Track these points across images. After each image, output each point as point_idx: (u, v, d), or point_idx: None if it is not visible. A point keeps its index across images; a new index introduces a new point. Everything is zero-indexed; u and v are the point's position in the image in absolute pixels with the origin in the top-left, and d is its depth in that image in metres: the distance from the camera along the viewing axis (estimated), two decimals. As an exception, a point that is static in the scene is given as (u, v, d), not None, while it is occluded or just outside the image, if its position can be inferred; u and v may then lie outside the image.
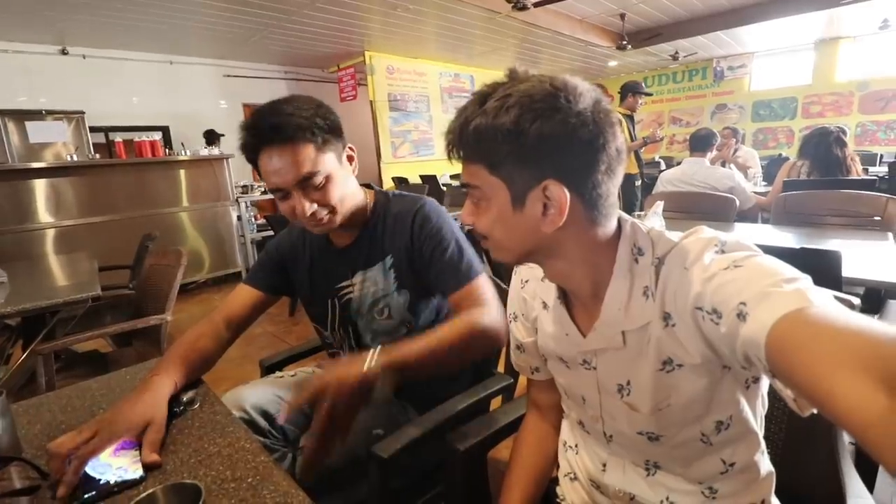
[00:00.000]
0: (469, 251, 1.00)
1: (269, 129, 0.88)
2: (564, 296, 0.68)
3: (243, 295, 1.09)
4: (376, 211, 1.05)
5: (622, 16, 5.74)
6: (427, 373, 0.82)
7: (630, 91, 4.16)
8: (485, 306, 0.93)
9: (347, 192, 0.98)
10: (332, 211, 0.95)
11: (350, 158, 1.01)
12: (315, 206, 0.92)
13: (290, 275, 1.12)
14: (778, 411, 0.75)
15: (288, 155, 0.88)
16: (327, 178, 0.92)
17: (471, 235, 1.00)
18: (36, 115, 4.66)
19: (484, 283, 0.97)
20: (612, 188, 0.57)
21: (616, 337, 0.61)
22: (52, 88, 5.07)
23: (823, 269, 1.19)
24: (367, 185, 1.10)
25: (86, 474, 0.67)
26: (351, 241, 1.05)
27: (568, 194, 0.53)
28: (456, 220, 1.01)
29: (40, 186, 3.73)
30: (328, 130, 0.92)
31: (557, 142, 0.52)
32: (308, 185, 0.91)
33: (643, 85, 4.25)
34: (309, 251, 1.11)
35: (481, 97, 0.55)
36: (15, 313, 1.56)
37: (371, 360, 0.75)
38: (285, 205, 0.94)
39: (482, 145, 0.55)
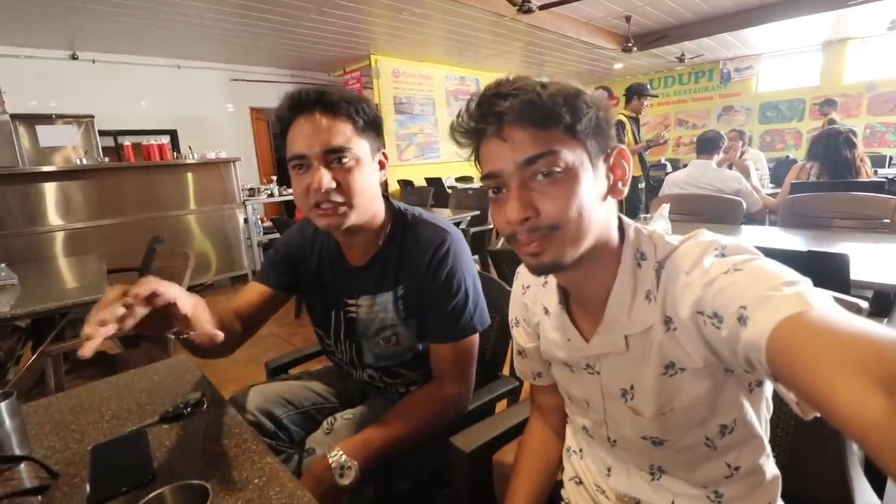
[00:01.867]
0: (474, 303, 0.96)
1: (313, 94, 0.86)
2: (566, 300, 0.68)
3: (253, 291, 1.06)
4: (394, 233, 0.98)
5: (627, 18, 5.73)
6: (395, 452, 0.90)
7: (635, 93, 4.14)
8: (458, 379, 0.96)
9: (368, 192, 0.90)
10: (348, 203, 0.87)
11: (381, 164, 0.95)
12: (333, 183, 0.85)
13: (297, 273, 1.09)
14: (785, 415, 0.74)
15: (325, 122, 0.85)
16: (356, 163, 0.87)
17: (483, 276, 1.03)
18: (46, 119, 4.73)
19: (470, 347, 0.96)
20: None
21: (619, 341, 0.61)
22: (62, 93, 5.13)
23: (831, 273, 1.18)
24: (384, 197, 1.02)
25: (95, 474, 0.68)
26: (363, 264, 0.99)
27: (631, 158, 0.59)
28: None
29: (50, 190, 3.77)
30: (369, 120, 0.90)
31: (609, 118, 0.57)
32: (334, 160, 0.85)
33: (649, 87, 4.23)
34: (318, 256, 1.06)
35: (524, 78, 0.56)
36: (25, 315, 1.58)
37: (340, 461, 0.83)
38: (301, 181, 0.86)
39: (569, 106, 0.53)
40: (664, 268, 0.57)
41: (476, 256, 4.00)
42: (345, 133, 0.86)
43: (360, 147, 0.88)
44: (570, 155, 0.53)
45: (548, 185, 0.53)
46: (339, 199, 0.86)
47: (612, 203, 0.59)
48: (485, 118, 0.54)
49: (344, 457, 0.83)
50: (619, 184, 0.58)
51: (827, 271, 1.18)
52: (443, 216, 3.45)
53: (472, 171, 7.74)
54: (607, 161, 0.57)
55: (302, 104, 0.86)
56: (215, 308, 0.92)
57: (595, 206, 0.55)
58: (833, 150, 2.72)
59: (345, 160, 0.86)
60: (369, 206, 0.93)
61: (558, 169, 0.53)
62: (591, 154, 0.55)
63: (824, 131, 2.85)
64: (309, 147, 0.85)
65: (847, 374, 0.35)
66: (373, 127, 0.91)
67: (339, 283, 1.03)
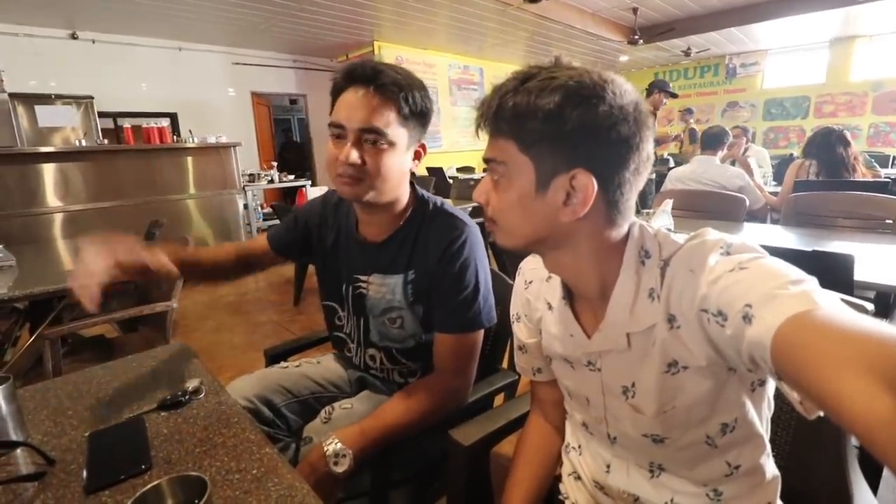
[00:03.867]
0: (483, 298, 0.96)
1: (370, 70, 0.87)
2: (569, 296, 0.67)
3: (258, 242, 1.15)
4: (413, 219, 0.99)
5: (635, 10, 5.67)
6: (391, 442, 0.90)
7: (658, 88, 4.26)
8: (458, 373, 0.96)
9: (393, 177, 0.92)
10: (369, 182, 0.89)
11: (418, 154, 0.98)
12: (358, 161, 0.87)
13: (310, 243, 1.12)
14: (785, 415, 0.74)
15: (371, 100, 0.86)
16: (388, 147, 0.89)
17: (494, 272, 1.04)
18: (46, 99, 4.68)
19: (473, 342, 0.96)
20: (634, 191, 0.57)
21: (621, 339, 0.60)
22: (61, 73, 5.08)
23: (836, 273, 1.18)
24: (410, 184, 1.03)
25: (92, 461, 0.67)
26: (379, 241, 1.00)
27: (596, 186, 0.53)
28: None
29: (49, 171, 3.75)
30: (417, 111, 0.90)
31: (597, 132, 0.52)
32: (367, 139, 0.87)
33: (670, 85, 4.31)
34: (336, 229, 1.08)
35: (523, 76, 0.55)
36: (23, 297, 1.57)
37: (335, 449, 0.83)
38: (334, 145, 0.90)
39: (518, 122, 0.54)
40: (669, 266, 0.56)
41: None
42: (386, 117, 0.87)
43: (398, 134, 0.89)
44: (512, 167, 0.56)
45: (495, 184, 0.59)
46: (359, 175, 0.89)
47: (573, 213, 0.55)
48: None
49: (339, 445, 0.84)
50: (571, 207, 0.54)
51: (831, 271, 1.18)
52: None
53: (473, 161, 7.74)
54: (567, 179, 0.54)
55: (356, 76, 0.87)
56: (207, 248, 1.11)
57: (531, 214, 0.57)
58: (826, 148, 2.78)
59: (378, 143, 0.88)
60: (391, 191, 0.95)
61: (496, 176, 0.59)
62: (539, 167, 0.54)
63: (818, 130, 2.91)
64: (348, 120, 0.87)
65: (853, 373, 0.35)
66: (418, 117, 0.92)
67: (353, 258, 1.04)
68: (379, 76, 0.86)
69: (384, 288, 1.00)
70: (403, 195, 0.99)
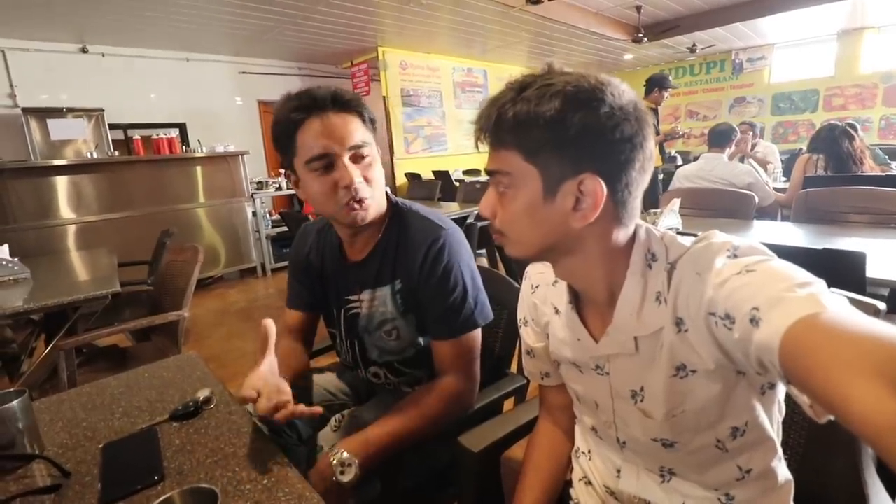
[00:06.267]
0: (473, 298, 0.96)
1: (329, 94, 0.87)
2: (576, 300, 0.67)
3: (291, 317, 1.13)
4: (391, 228, 1.00)
5: (638, 8, 5.64)
6: (398, 449, 0.89)
7: (656, 85, 4.13)
8: (461, 376, 0.95)
9: (382, 185, 0.95)
10: (372, 196, 0.92)
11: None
12: (362, 178, 0.89)
13: (314, 285, 1.11)
14: (798, 418, 0.73)
15: (343, 120, 0.88)
16: (373, 157, 0.92)
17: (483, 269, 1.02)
18: (57, 112, 4.76)
19: (471, 342, 0.96)
20: (640, 189, 0.57)
21: (628, 342, 0.60)
22: (72, 86, 5.15)
23: (847, 271, 1.16)
24: None
25: (106, 473, 0.68)
26: (362, 257, 1.01)
27: (605, 189, 0.53)
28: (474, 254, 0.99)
29: (62, 183, 3.81)
30: (371, 118, 0.94)
31: (601, 134, 0.52)
32: (357, 155, 0.89)
33: (669, 79, 4.20)
34: (322, 257, 1.09)
35: (519, 86, 0.55)
36: (38, 309, 1.60)
37: (340, 458, 0.82)
38: (326, 179, 0.88)
39: (520, 131, 0.54)
40: (676, 269, 0.56)
41: (484, 251, 3.99)
42: (362, 131, 0.90)
43: (373, 144, 0.93)
44: (518, 177, 0.56)
45: (500, 196, 0.59)
46: (366, 193, 0.90)
47: (584, 217, 0.55)
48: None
49: (345, 454, 0.83)
50: (582, 211, 0.54)
51: (843, 270, 1.16)
52: (450, 210, 3.44)
53: (479, 163, 7.73)
54: (575, 184, 0.54)
55: (317, 105, 0.87)
56: (287, 360, 1.01)
57: (540, 222, 0.57)
58: (831, 142, 2.79)
59: (366, 156, 0.90)
60: (381, 201, 0.97)
61: (501, 188, 0.58)
62: (547, 176, 0.54)
63: (823, 126, 2.93)
64: (332, 145, 0.86)
65: (861, 376, 0.34)
66: (374, 123, 0.95)
67: (342, 281, 1.04)
68: (338, 97, 0.88)
69: (377, 301, 1.00)
70: (384, 204, 0.99)
